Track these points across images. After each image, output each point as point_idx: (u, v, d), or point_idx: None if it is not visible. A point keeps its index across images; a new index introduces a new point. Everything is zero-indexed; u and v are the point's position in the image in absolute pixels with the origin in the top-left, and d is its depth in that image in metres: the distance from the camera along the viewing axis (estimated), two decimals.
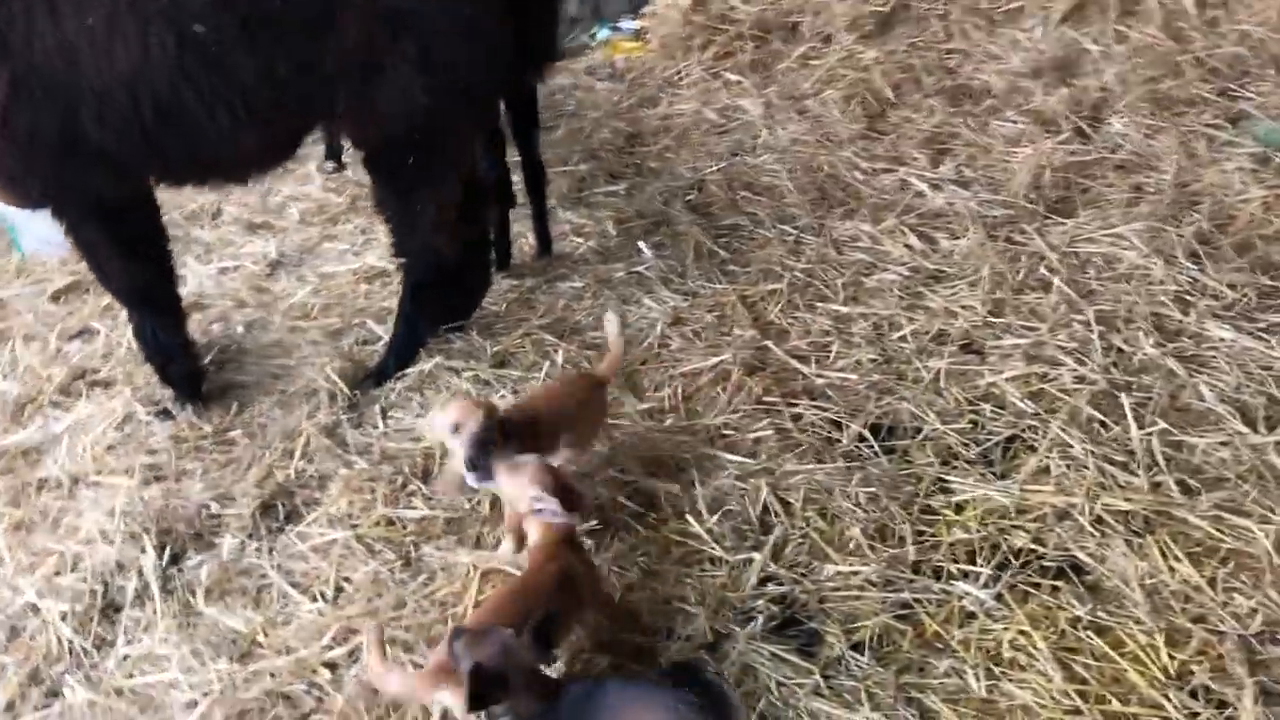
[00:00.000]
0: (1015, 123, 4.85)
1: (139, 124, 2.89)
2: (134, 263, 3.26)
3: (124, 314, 3.59)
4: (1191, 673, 2.39)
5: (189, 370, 3.44)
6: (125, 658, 2.62)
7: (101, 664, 2.62)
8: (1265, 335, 3.42)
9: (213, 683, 2.52)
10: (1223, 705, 2.33)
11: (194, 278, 4.14)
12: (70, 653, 2.64)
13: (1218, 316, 3.54)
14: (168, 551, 2.86)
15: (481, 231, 3.67)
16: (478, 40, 3.11)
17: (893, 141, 4.86)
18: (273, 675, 2.53)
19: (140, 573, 2.79)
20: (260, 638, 2.64)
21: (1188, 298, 3.64)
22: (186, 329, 3.45)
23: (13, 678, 2.57)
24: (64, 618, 2.68)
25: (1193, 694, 2.35)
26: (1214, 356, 3.37)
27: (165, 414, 3.39)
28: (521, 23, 3.23)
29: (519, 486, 2.44)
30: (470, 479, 2.58)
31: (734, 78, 5.58)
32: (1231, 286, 3.66)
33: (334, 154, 4.95)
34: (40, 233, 4.32)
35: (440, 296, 3.57)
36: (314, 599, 2.74)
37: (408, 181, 3.29)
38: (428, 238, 3.40)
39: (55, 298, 4.11)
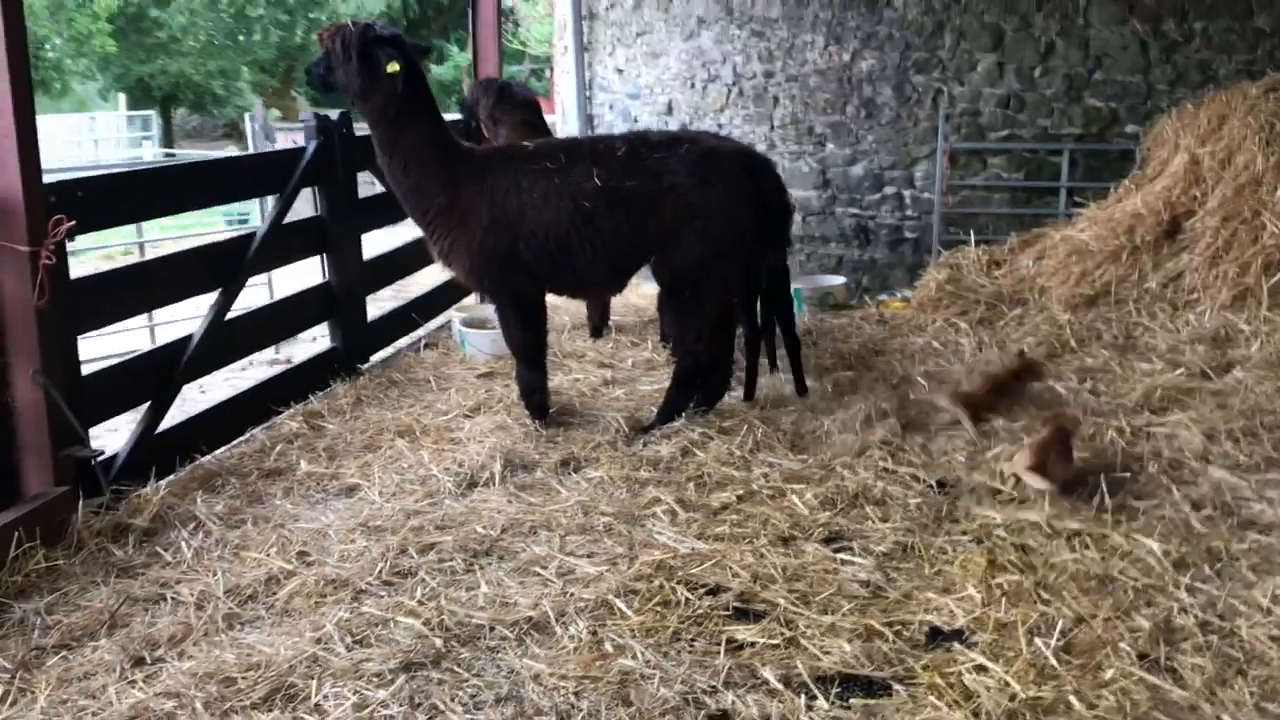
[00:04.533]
0: (1155, 364, 6.42)
1: (548, 251, 5.42)
2: (527, 332, 5.71)
3: (510, 385, 6.08)
4: None
5: (542, 403, 5.78)
6: (472, 507, 4.82)
7: (462, 503, 4.84)
8: None
9: (513, 513, 4.66)
10: None
11: (557, 380, 6.58)
12: (448, 496, 4.90)
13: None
14: (507, 468, 5.11)
15: (727, 351, 5.82)
16: (736, 227, 5.43)
17: (1058, 369, 6.57)
18: (539, 514, 4.64)
19: (491, 473, 5.05)
20: (545, 510, 4.77)
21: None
22: (547, 378, 5.83)
23: (425, 500, 4.85)
24: (450, 481, 4.97)
25: None
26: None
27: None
28: (766, 221, 5.55)
29: None
30: None
31: (964, 325, 7.53)
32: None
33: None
34: (476, 343, 7.06)
35: (694, 385, 5.74)
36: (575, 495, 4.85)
37: (683, 306, 5.57)
38: (691, 344, 5.62)
39: (479, 377, 6.73)
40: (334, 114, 6.55)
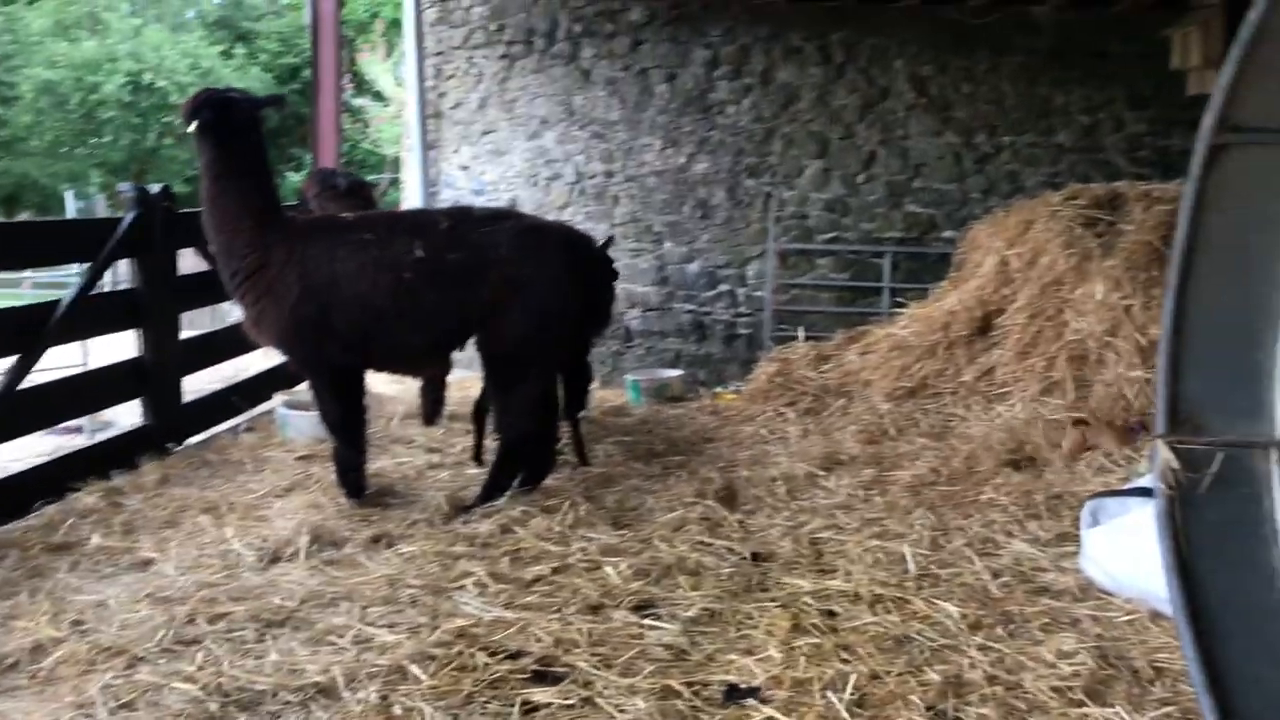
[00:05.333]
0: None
1: (362, 322, 5.34)
2: (342, 407, 5.58)
3: (329, 467, 5.90)
4: None
5: (358, 482, 5.62)
6: (272, 580, 4.62)
7: (262, 576, 4.63)
8: None
9: (314, 585, 4.48)
10: None
11: (381, 463, 6.43)
12: (247, 569, 4.69)
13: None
14: (315, 544, 4.93)
15: (551, 428, 5.80)
16: (559, 303, 5.47)
17: (874, 454, 6.74)
18: (342, 586, 4.47)
19: (297, 548, 4.86)
20: (349, 582, 4.60)
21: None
22: (364, 457, 5.69)
23: (222, 573, 4.64)
24: (251, 555, 4.76)
25: None
26: None
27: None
28: (589, 299, 5.61)
29: None
30: None
31: (792, 415, 7.70)
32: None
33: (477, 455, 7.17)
34: (297, 425, 6.88)
35: (518, 463, 5.67)
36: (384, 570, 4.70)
37: (507, 380, 5.53)
38: (515, 419, 5.57)
39: (298, 459, 6.52)
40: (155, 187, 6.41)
